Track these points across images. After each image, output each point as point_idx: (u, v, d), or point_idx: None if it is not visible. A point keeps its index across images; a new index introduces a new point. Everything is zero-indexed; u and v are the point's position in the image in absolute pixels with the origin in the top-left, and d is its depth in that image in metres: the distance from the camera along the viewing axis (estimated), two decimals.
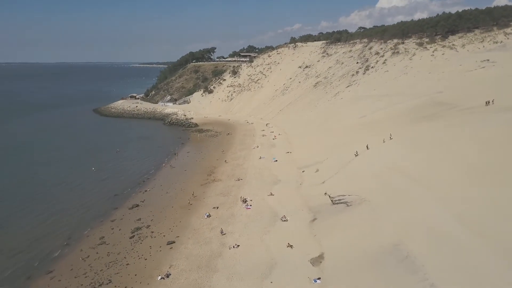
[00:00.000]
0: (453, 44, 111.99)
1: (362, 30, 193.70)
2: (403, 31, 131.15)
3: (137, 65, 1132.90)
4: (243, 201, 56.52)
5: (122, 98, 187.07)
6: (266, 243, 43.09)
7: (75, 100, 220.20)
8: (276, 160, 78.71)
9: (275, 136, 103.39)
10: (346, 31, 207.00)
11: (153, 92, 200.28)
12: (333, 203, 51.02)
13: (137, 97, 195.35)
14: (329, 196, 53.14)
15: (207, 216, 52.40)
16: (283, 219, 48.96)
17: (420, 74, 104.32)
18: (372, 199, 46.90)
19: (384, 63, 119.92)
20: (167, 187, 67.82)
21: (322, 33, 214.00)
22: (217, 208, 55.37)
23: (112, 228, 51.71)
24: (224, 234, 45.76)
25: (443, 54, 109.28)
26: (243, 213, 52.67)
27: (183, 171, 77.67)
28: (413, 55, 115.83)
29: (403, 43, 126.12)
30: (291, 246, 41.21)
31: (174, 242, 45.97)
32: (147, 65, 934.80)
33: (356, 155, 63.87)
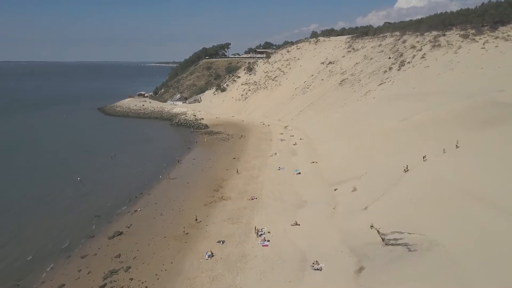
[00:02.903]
0: (508, 35, 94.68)
1: (388, 24, 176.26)
2: (444, 21, 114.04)
3: (153, 64, 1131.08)
4: (257, 232, 41.98)
5: (130, 96, 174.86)
6: None
7: (81, 98, 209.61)
8: (299, 173, 63.84)
9: (295, 142, 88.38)
10: (371, 26, 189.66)
11: (163, 90, 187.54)
12: (386, 244, 36.02)
13: (145, 95, 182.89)
14: (378, 232, 38.20)
15: (208, 256, 38.00)
16: (315, 267, 34.19)
17: (469, 69, 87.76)
18: (447, 242, 31.94)
19: (423, 57, 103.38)
20: (163, 207, 53.80)
21: (345, 28, 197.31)
22: (223, 242, 40.93)
23: (79, 270, 37.82)
24: None
25: (496, 46, 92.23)
26: (258, 252, 38.06)
27: (185, 184, 63.56)
28: (459, 48, 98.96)
29: (444, 35, 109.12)
30: None
31: None
32: (163, 64, 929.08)
33: (405, 171, 48.67)
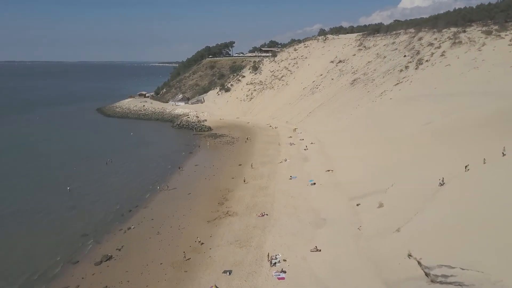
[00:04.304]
0: None
1: (401, 22, 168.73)
2: (464, 17, 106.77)
3: (157, 64, 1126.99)
4: (271, 260, 35.15)
5: (130, 96, 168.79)
6: None
7: (81, 98, 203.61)
8: (314, 183, 56.85)
9: (306, 146, 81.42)
10: (382, 23, 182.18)
11: (164, 90, 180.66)
12: (432, 281, 29.14)
13: (146, 95, 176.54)
14: (419, 263, 31.28)
15: None
16: None
17: (497, 68, 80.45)
18: None
19: (442, 55, 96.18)
20: (160, 223, 47.11)
21: (353, 26, 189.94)
22: (230, 273, 34.13)
23: None
24: None
25: None
26: None
27: (186, 196, 56.80)
28: (482, 45, 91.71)
29: (464, 31, 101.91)
30: None
31: None
32: (166, 64, 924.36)
33: (441, 184, 41.76)
